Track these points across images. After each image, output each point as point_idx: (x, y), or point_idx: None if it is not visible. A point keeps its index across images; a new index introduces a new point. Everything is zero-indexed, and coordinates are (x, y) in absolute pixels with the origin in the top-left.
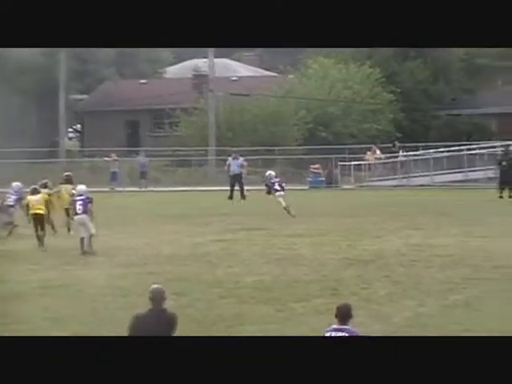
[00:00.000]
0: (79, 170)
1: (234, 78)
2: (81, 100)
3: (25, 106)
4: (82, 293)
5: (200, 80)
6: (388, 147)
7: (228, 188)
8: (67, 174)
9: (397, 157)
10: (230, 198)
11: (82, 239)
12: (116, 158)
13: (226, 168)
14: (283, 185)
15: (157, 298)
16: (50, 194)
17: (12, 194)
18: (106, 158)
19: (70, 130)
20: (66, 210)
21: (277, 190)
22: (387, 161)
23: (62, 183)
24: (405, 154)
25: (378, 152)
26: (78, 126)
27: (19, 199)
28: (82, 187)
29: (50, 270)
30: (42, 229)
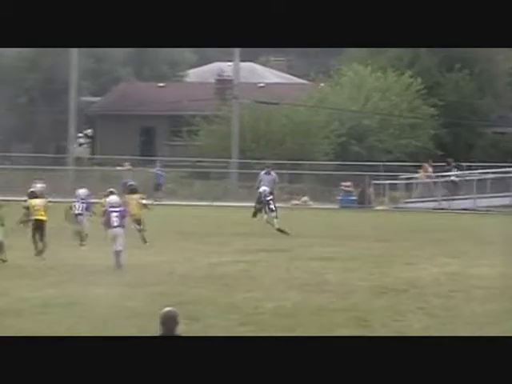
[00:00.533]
0: (88, 179)
1: (261, 85)
2: (93, 103)
3: (31, 107)
4: (88, 312)
5: (224, 85)
6: (442, 165)
7: (251, 204)
8: (131, 183)
9: (450, 176)
10: (255, 215)
11: (116, 252)
12: (130, 167)
13: (256, 183)
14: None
15: (169, 322)
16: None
17: (79, 202)
18: (118, 167)
19: (80, 135)
20: (135, 220)
21: (272, 210)
22: (438, 180)
23: (127, 193)
24: (458, 173)
25: (430, 170)
26: (89, 130)
27: (88, 207)
28: (115, 198)
29: (54, 286)
30: (43, 237)
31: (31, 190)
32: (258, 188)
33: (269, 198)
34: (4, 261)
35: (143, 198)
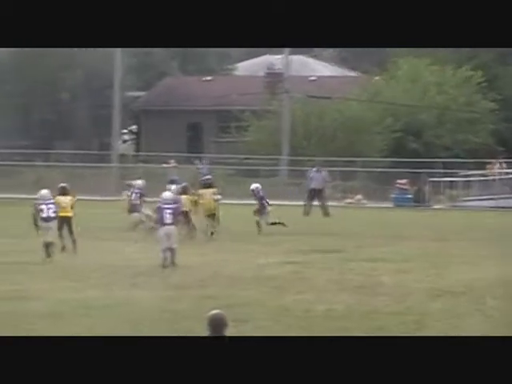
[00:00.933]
0: (133, 176)
1: (313, 78)
2: (138, 97)
3: (73, 103)
4: (132, 315)
5: (274, 79)
6: None
7: (303, 203)
8: (208, 177)
9: None
10: (307, 214)
11: (165, 250)
12: (175, 164)
13: (307, 181)
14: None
15: (217, 324)
16: (193, 200)
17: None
18: (164, 165)
19: (125, 131)
20: (209, 216)
21: (268, 204)
22: (501, 177)
23: (201, 188)
24: None
25: (499, 166)
26: (134, 126)
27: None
28: (169, 194)
29: (96, 288)
30: (71, 233)
31: (61, 185)
32: (309, 186)
33: (262, 194)
34: (49, 257)
35: (216, 193)
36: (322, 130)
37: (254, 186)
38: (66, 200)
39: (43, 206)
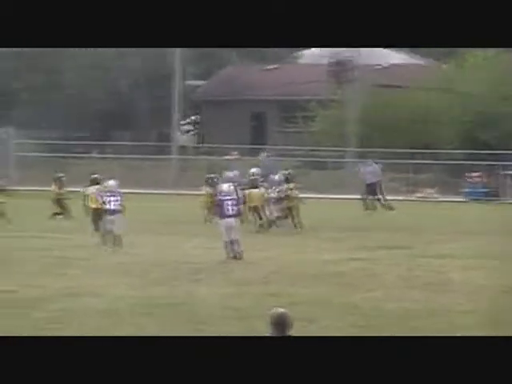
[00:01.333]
0: (194, 170)
1: (385, 66)
2: (197, 87)
3: (132, 92)
4: (190, 313)
5: (341, 67)
6: None
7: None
8: (289, 172)
9: None
10: (369, 209)
11: (227, 243)
12: (238, 156)
13: (360, 176)
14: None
15: (281, 324)
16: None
17: (273, 190)
18: (226, 157)
19: (183, 122)
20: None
21: None
22: None
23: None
24: None
25: None
26: (194, 117)
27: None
28: (226, 186)
29: (156, 285)
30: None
31: (93, 176)
32: (364, 181)
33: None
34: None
35: (291, 189)
36: (390, 120)
37: (253, 170)
38: (93, 190)
39: (106, 198)
